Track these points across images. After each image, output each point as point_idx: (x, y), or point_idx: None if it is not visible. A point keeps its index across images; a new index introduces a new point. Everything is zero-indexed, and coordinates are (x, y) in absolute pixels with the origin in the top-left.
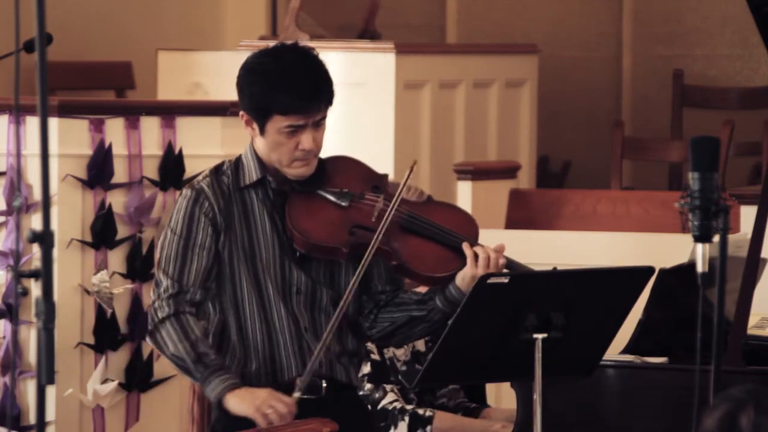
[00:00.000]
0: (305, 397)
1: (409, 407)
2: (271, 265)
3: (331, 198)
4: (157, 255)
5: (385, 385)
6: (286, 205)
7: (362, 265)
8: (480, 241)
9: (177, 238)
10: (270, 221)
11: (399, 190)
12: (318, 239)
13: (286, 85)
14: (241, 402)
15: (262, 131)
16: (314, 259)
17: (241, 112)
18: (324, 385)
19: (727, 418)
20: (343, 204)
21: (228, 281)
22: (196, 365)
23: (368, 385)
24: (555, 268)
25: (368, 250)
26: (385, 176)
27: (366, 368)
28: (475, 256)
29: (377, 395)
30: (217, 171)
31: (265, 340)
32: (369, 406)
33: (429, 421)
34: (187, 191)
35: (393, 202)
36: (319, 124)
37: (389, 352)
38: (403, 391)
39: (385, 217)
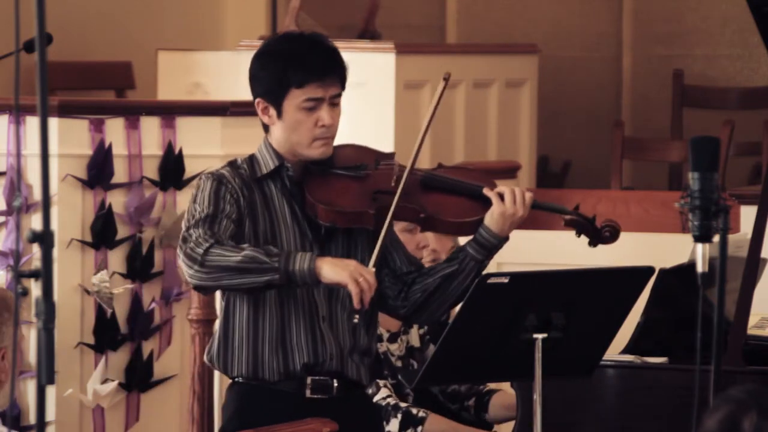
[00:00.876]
0: (316, 396)
1: (403, 405)
2: None
3: (347, 173)
4: (182, 224)
5: (378, 381)
6: (304, 186)
7: (389, 220)
8: None
9: (206, 206)
10: (290, 210)
11: (429, 117)
12: (343, 206)
13: (300, 58)
14: (334, 268)
15: (279, 113)
16: (333, 245)
17: (256, 100)
18: (335, 384)
19: (729, 420)
20: (360, 174)
21: None
22: (270, 257)
23: None
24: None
25: (394, 202)
26: (394, 154)
27: None
28: (500, 196)
29: (370, 390)
30: (232, 165)
31: (278, 328)
32: None
33: (421, 421)
34: (208, 176)
35: (411, 162)
36: (335, 103)
37: (383, 346)
38: (397, 387)
39: (408, 168)
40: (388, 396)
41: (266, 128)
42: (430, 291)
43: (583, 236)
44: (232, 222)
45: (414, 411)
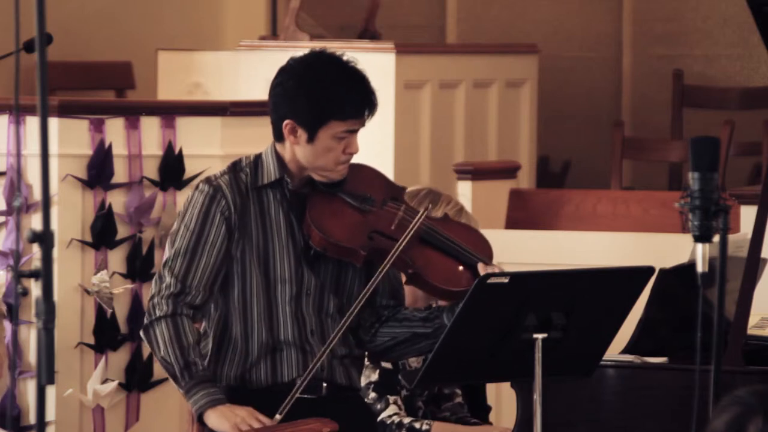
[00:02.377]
0: (305, 396)
1: (407, 420)
2: (285, 267)
3: (353, 201)
4: (165, 249)
5: (389, 397)
6: (306, 203)
7: (380, 271)
8: None
9: (189, 233)
10: (285, 222)
11: (423, 210)
12: (337, 238)
13: (343, 95)
14: (220, 418)
15: (311, 139)
16: (323, 264)
17: (285, 121)
18: (324, 385)
19: (736, 422)
20: (364, 208)
21: (238, 279)
22: (183, 373)
23: (372, 394)
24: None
25: (388, 257)
26: (404, 189)
27: (374, 376)
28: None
29: (379, 406)
30: (235, 168)
31: (269, 339)
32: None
33: None
34: (204, 186)
35: (418, 217)
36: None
37: None
38: (409, 401)
39: (409, 229)
40: (395, 414)
41: (278, 137)
42: (398, 341)
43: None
44: (215, 253)
45: (417, 425)
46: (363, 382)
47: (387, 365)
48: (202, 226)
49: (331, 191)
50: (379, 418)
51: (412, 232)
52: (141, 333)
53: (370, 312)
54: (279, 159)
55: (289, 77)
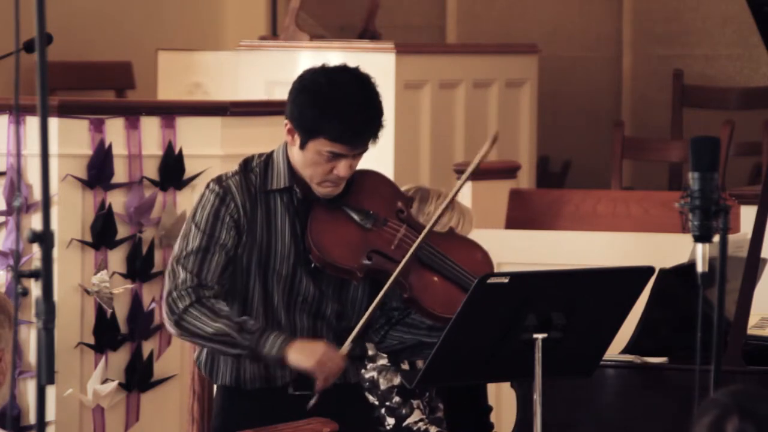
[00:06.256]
0: (298, 393)
1: (433, 430)
2: (282, 272)
3: (355, 217)
4: (175, 247)
5: (413, 401)
6: (309, 216)
7: (378, 300)
8: (480, 241)
9: (201, 233)
10: (291, 228)
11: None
12: (334, 258)
13: (340, 116)
14: (301, 354)
15: (302, 146)
16: (326, 276)
17: (286, 121)
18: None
19: (715, 425)
20: (366, 226)
21: (240, 279)
22: (242, 334)
23: (396, 398)
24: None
25: (386, 286)
26: (412, 199)
27: (396, 380)
28: None
29: (404, 411)
30: (246, 167)
31: None
32: (393, 420)
33: None
34: (215, 187)
35: (416, 242)
36: (357, 155)
37: None
38: (431, 404)
39: (407, 256)
40: (420, 420)
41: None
42: (406, 346)
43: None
44: (225, 252)
45: None
46: (384, 385)
47: (406, 367)
48: (213, 226)
49: (335, 203)
50: (404, 423)
51: (409, 256)
52: (174, 329)
53: (381, 314)
54: (290, 165)
55: (302, 80)
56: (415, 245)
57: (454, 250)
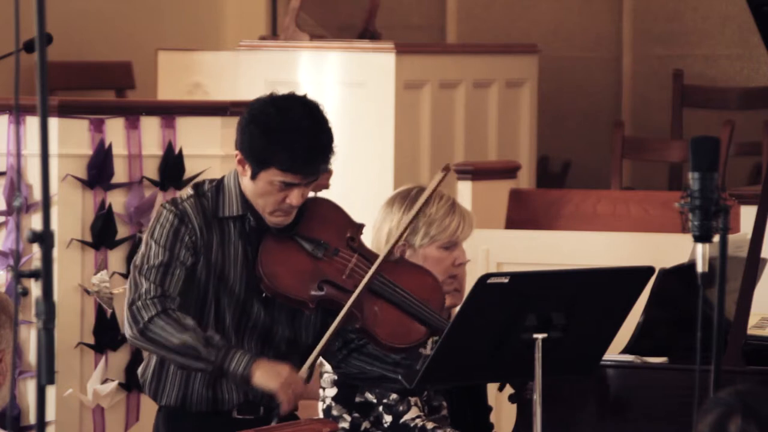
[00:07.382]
0: (241, 417)
1: (429, 426)
2: (235, 296)
3: (306, 246)
4: (137, 260)
5: (410, 398)
6: (260, 245)
7: (331, 331)
8: (480, 241)
9: (161, 249)
10: (243, 255)
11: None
12: (285, 288)
13: (289, 147)
14: (267, 375)
15: (254, 176)
16: (277, 305)
17: (236, 151)
18: (262, 409)
19: (718, 424)
20: (317, 255)
21: (195, 297)
22: (208, 348)
23: (394, 396)
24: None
25: (338, 318)
26: (362, 226)
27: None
28: None
29: (401, 408)
30: (197, 192)
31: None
32: (391, 417)
33: None
34: (171, 208)
35: (369, 273)
36: (311, 182)
37: (426, 350)
38: (428, 401)
39: (359, 288)
40: (417, 416)
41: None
42: (367, 377)
43: None
44: (185, 269)
45: None
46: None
47: (360, 399)
48: (173, 244)
49: (286, 232)
50: (401, 420)
51: (361, 287)
52: (137, 339)
53: (338, 336)
54: (242, 193)
55: (252, 110)
56: (368, 275)
57: (405, 278)
